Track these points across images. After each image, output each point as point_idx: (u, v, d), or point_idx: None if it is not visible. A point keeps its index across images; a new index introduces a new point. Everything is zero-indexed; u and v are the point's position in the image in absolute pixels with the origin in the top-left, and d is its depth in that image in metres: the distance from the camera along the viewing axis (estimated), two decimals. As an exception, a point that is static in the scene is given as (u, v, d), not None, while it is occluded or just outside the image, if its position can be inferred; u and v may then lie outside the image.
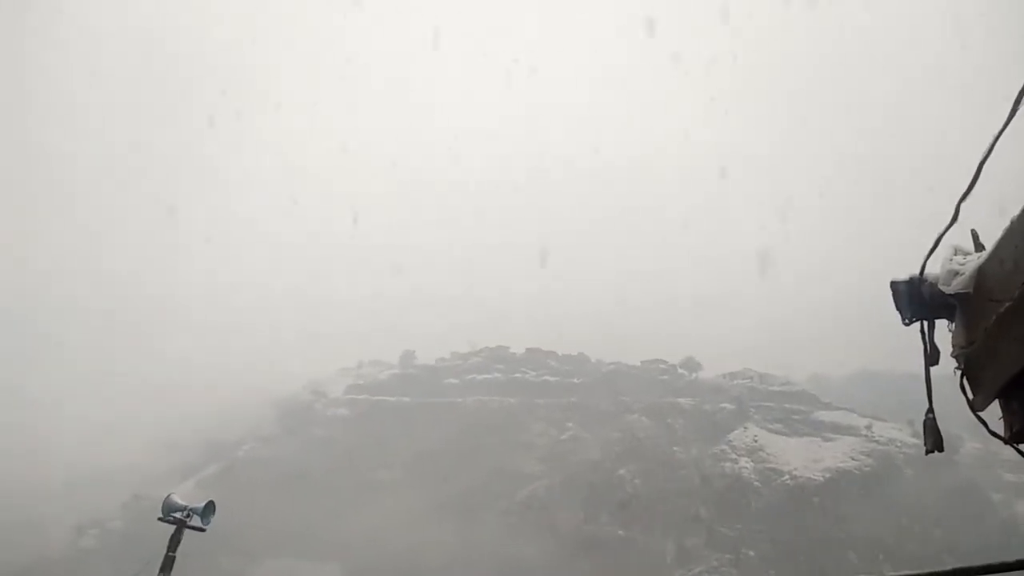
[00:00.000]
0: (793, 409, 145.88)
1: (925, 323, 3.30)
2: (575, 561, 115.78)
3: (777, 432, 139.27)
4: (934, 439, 3.28)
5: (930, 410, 3.30)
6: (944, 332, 3.33)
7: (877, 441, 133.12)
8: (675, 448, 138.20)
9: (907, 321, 3.31)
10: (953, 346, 3.21)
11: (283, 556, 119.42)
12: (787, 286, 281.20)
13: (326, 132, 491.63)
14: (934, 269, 3.30)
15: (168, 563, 15.62)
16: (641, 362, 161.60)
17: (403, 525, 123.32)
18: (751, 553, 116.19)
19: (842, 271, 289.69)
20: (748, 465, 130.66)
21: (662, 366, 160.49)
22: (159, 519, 16.45)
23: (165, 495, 17.35)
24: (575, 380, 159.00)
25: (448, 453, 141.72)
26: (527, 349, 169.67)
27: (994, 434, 3.08)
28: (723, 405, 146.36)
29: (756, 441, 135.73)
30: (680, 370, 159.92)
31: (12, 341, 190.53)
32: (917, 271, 3.32)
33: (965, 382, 3.15)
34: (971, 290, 3.04)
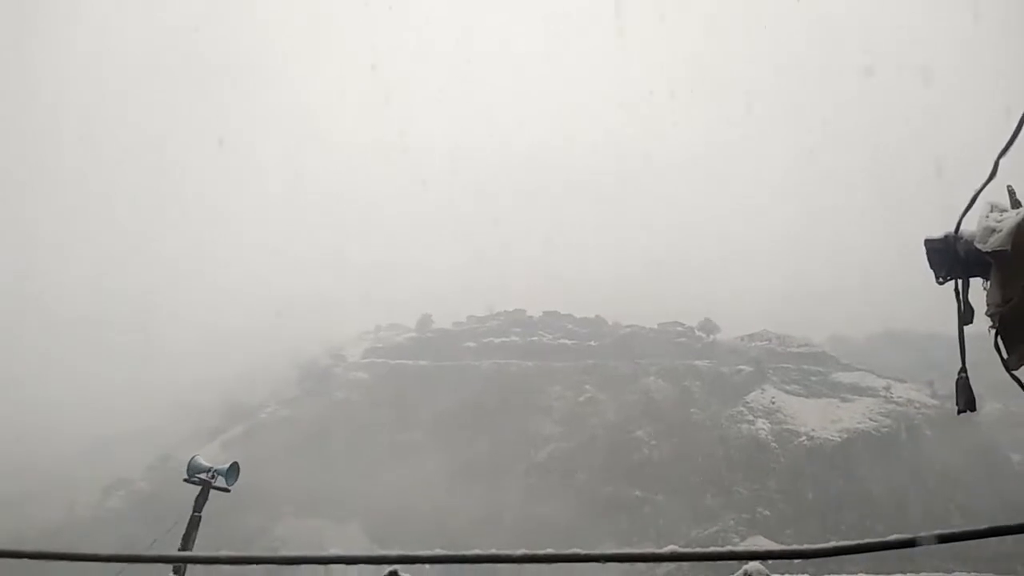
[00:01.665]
0: (811, 370, 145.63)
1: (959, 281, 3.24)
2: (594, 521, 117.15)
3: (795, 393, 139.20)
4: (967, 398, 3.24)
5: (963, 369, 3.25)
6: (978, 291, 3.27)
7: (896, 402, 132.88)
8: (692, 410, 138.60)
9: (941, 280, 3.25)
10: (988, 304, 3.15)
11: (305, 516, 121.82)
12: (807, 246, 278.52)
13: (341, 101, 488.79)
14: (970, 227, 3.23)
15: (195, 522, 15.91)
16: (658, 324, 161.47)
17: (424, 486, 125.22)
18: (768, 513, 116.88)
19: (863, 231, 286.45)
20: (765, 426, 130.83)
21: (679, 328, 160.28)
22: (185, 480, 16.74)
23: (190, 457, 17.63)
24: (592, 343, 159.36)
25: (466, 416, 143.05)
26: (544, 312, 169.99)
27: (1029, 394, 3.03)
28: (740, 367, 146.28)
29: (773, 402, 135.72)
30: (698, 332, 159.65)
31: (40, 310, 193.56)
32: (952, 228, 3.24)
33: (999, 341, 3.10)
34: (1009, 247, 2.97)
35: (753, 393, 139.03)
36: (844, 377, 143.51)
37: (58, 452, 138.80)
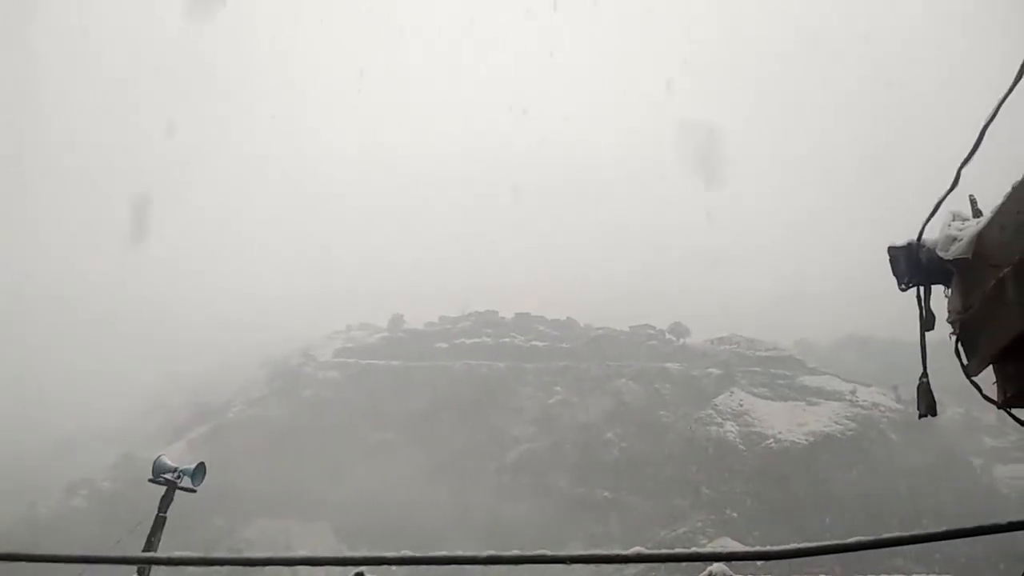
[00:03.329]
0: (779, 374, 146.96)
1: (921, 288, 3.30)
2: (564, 521, 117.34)
3: (762, 396, 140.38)
4: (927, 403, 3.29)
5: (924, 374, 3.31)
6: (940, 298, 3.33)
7: (861, 406, 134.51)
8: (662, 412, 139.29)
9: (904, 286, 3.30)
10: (949, 311, 3.21)
11: (274, 516, 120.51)
12: (775, 253, 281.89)
13: (323, 103, 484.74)
14: (932, 235, 3.29)
15: (159, 523, 15.65)
16: (629, 327, 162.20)
17: (394, 486, 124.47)
18: (735, 514, 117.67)
19: (830, 239, 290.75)
20: (733, 429, 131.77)
21: (650, 331, 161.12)
22: (150, 480, 16.45)
23: (155, 456, 17.33)
24: (564, 345, 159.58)
25: (438, 416, 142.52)
26: (516, 314, 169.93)
27: (988, 399, 3.09)
28: (710, 370, 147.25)
29: (741, 405, 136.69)
30: (668, 335, 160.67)
31: (4, 306, 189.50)
32: (915, 236, 3.30)
33: (960, 347, 3.15)
34: (970, 255, 3.03)
35: (722, 396, 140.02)
36: (810, 381, 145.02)
37: (19, 450, 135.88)
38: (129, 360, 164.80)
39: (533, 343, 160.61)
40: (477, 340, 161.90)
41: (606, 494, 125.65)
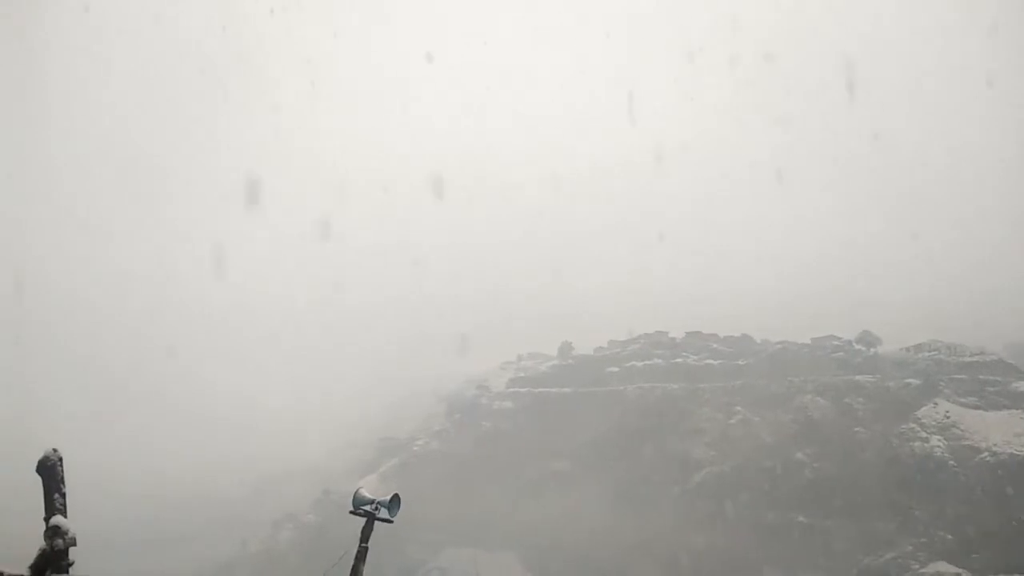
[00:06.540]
0: (989, 380, 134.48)
1: None
2: (755, 548, 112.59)
3: (971, 406, 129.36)
4: None
5: None
6: None
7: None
8: (856, 429, 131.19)
9: None
10: None
11: (462, 545, 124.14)
12: (971, 248, 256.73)
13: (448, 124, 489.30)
14: None
15: (362, 553, 16.22)
16: (811, 339, 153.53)
17: (576, 513, 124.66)
18: (949, 537, 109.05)
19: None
20: (940, 443, 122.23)
21: (835, 342, 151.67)
22: (350, 512, 17.13)
23: (351, 490, 18.05)
24: (740, 362, 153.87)
25: (614, 442, 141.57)
26: (687, 333, 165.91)
27: None
28: (908, 380, 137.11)
29: (948, 417, 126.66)
30: (856, 345, 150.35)
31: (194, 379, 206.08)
32: None
33: None
34: None
35: (924, 408, 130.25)
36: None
37: (230, 491, 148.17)
38: (317, 404, 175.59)
39: (707, 362, 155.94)
40: (648, 362, 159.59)
41: (801, 518, 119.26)
